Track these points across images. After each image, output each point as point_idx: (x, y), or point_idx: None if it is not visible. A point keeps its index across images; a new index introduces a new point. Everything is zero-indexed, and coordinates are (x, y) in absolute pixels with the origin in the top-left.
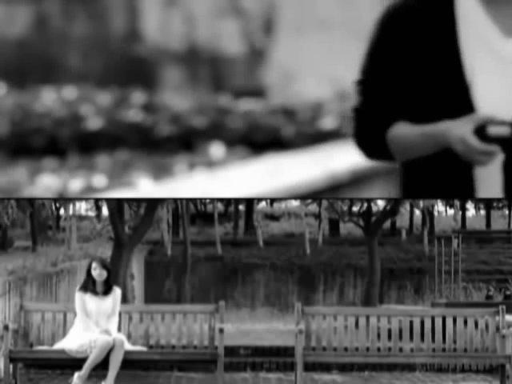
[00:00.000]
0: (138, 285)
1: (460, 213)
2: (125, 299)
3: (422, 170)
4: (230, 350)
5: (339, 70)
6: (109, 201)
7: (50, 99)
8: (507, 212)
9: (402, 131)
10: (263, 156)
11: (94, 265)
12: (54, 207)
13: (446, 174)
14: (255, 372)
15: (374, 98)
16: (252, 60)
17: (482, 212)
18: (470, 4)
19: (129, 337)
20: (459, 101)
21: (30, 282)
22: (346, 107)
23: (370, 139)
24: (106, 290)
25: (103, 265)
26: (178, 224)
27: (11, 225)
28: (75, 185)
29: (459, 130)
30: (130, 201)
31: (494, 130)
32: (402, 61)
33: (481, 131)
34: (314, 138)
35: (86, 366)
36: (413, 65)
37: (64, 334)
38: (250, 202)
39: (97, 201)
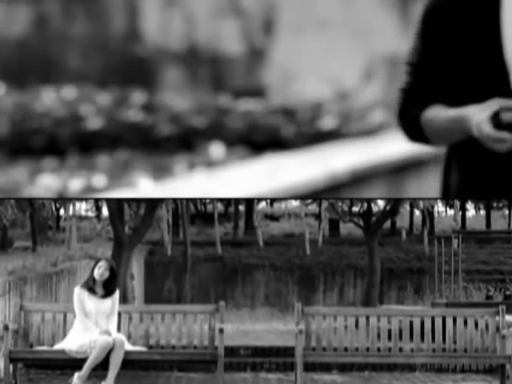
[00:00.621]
0: (138, 285)
1: (460, 213)
2: (125, 299)
3: (469, 170)
4: (230, 350)
5: (339, 69)
6: (109, 201)
7: (49, 99)
8: (507, 212)
9: (434, 114)
10: (263, 156)
11: (100, 263)
12: (54, 207)
13: (495, 175)
14: (255, 372)
15: (422, 81)
16: (252, 60)
17: (482, 212)
18: None
19: (129, 337)
20: (498, 86)
21: (30, 282)
22: (345, 107)
23: (412, 121)
24: (105, 294)
25: (109, 267)
26: (178, 224)
27: (11, 225)
28: (75, 185)
29: (477, 116)
30: (130, 201)
31: (507, 116)
32: (451, 45)
33: (496, 118)
34: (313, 137)
35: (86, 366)
36: (458, 49)
37: (64, 334)
38: (249, 202)
39: (97, 201)
